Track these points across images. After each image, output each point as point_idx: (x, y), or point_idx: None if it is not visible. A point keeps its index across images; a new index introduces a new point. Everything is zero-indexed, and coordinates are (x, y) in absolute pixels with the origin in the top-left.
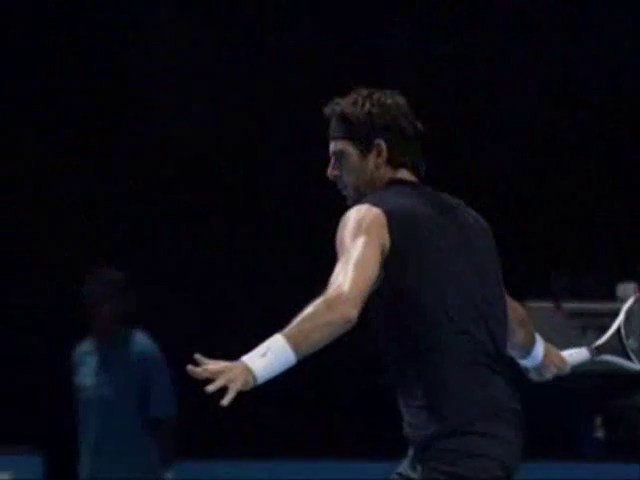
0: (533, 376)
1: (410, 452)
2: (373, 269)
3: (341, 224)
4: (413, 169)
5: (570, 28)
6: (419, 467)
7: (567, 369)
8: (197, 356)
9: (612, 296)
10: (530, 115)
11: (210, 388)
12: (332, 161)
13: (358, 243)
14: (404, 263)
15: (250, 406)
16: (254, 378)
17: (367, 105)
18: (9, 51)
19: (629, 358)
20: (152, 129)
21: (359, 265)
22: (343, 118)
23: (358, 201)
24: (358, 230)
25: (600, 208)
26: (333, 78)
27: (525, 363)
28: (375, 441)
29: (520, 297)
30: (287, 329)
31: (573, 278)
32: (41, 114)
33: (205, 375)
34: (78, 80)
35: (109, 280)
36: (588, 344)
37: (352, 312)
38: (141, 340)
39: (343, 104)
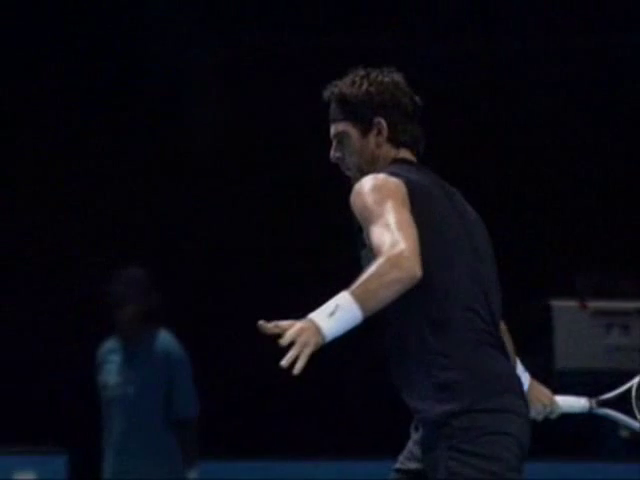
0: None
1: (416, 435)
2: (414, 229)
3: (358, 191)
4: (413, 149)
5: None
6: (436, 445)
7: (556, 411)
8: (261, 322)
9: (637, 295)
10: (554, 112)
11: (288, 357)
12: (334, 144)
13: (389, 206)
14: (421, 236)
15: (274, 407)
16: (323, 338)
17: (365, 85)
18: (27, 51)
19: (634, 417)
20: (172, 126)
21: (403, 225)
22: (342, 100)
23: None
24: (384, 195)
25: (627, 207)
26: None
27: None
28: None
29: (545, 296)
30: (353, 287)
31: (598, 277)
32: (62, 112)
33: (276, 331)
34: (97, 77)
35: (134, 279)
36: (612, 343)
37: (417, 268)
38: (165, 339)
39: (341, 86)
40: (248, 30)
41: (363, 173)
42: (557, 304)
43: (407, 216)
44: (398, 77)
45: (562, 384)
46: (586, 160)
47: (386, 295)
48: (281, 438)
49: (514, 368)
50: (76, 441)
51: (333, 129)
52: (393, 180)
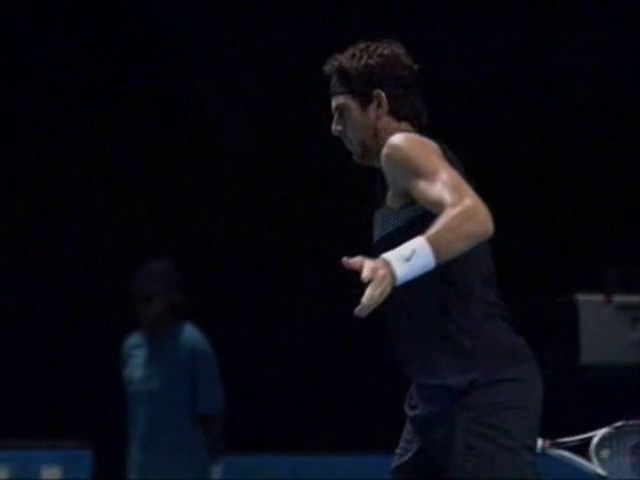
0: None
1: (415, 412)
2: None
3: (397, 146)
4: (415, 121)
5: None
6: (454, 416)
7: None
8: (345, 259)
9: None
10: (580, 108)
11: (367, 296)
12: (335, 117)
13: (439, 161)
14: None
15: (298, 401)
16: (395, 282)
17: (364, 57)
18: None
19: (589, 460)
20: (199, 119)
21: (461, 180)
22: (341, 73)
23: (363, 156)
24: (429, 150)
25: None
26: None
27: None
28: None
29: (570, 290)
30: (430, 235)
31: (624, 271)
32: (88, 106)
33: (357, 267)
34: (131, 74)
35: (159, 273)
36: (638, 337)
37: (491, 224)
38: (191, 333)
39: (341, 59)
40: (281, 24)
41: (365, 146)
42: (582, 298)
43: (457, 172)
44: (398, 49)
45: (587, 379)
46: (615, 154)
47: (460, 247)
48: (306, 432)
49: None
50: (101, 435)
51: (334, 102)
52: (426, 138)
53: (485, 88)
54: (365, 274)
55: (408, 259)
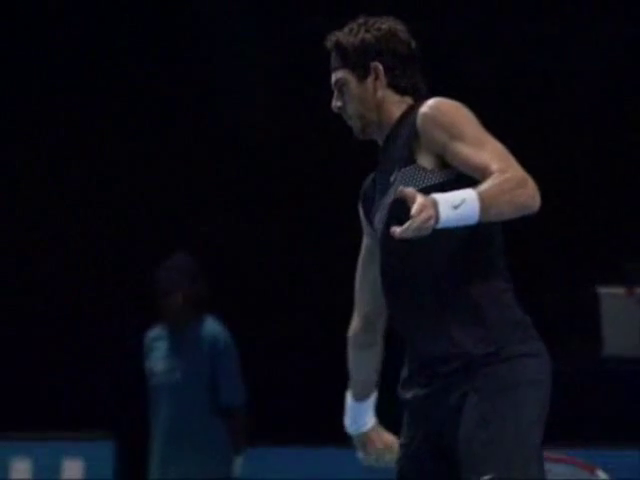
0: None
1: (439, 384)
2: None
3: (442, 107)
4: (415, 97)
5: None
6: (470, 387)
7: (386, 457)
8: (401, 187)
9: None
10: (601, 100)
11: (405, 227)
12: (335, 93)
13: (486, 132)
14: None
15: (322, 392)
16: (436, 225)
17: (362, 32)
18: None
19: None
20: (218, 116)
21: (510, 154)
22: (339, 48)
23: (364, 130)
24: (474, 118)
25: None
26: None
27: (355, 412)
28: None
29: (592, 283)
30: (482, 191)
31: None
32: (116, 107)
33: (411, 197)
34: (151, 73)
35: (181, 266)
36: None
37: (539, 200)
38: (212, 326)
39: (339, 34)
40: (306, 16)
41: (364, 119)
42: (604, 291)
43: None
44: (396, 24)
45: (610, 371)
46: (636, 147)
47: (506, 213)
48: (330, 425)
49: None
50: (123, 427)
51: (333, 78)
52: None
53: (505, 80)
54: (414, 209)
55: (456, 207)
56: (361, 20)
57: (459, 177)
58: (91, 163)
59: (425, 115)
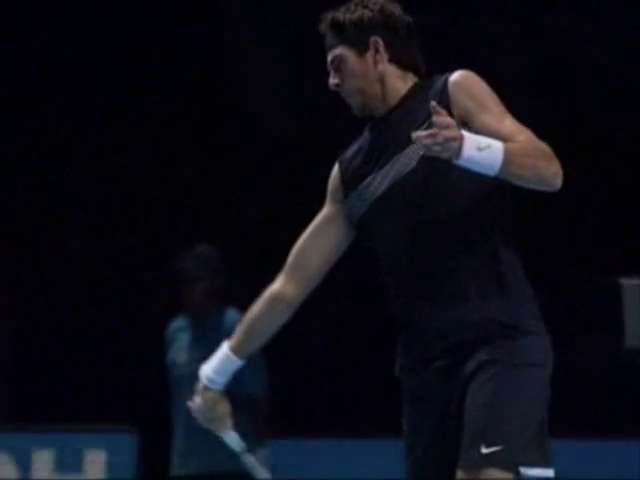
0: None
1: (453, 355)
2: None
3: (472, 77)
4: (418, 73)
5: None
6: (483, 360)
7: (220, 428)
8: (433, 103)
9: None
10: (632, 91)
11: (427, 134)
12: (331, 72)
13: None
14: None
15: (345, 384)
16: (455, 158)
17: (359, 9)
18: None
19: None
20: (239, 106)
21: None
22: (336, 25)
23: (364, 106)
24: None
25: None
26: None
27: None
28: None
29: (614, 274)
30: (509, 146)
31: None
32: (131, 95)
33: (442, 115)
34: (172, 62)
35: (203, 257)
36: None
37: (561, 180)
38: (234, 317)
39: (334, 13)
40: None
41: (365, 94)
42: (626, 282)
43: None
44: (393, 6)
45: (631, 362)
46: None
47: (526, 176)
48: (352, 416)
49: None
50: (146, 419)
51: (330, 56)
52: None
53: (542, 72)
54: (440, 122)
55: (480, 149)
56: (356, 0)
57: None
58: (111, 153)
59: (457, 83)
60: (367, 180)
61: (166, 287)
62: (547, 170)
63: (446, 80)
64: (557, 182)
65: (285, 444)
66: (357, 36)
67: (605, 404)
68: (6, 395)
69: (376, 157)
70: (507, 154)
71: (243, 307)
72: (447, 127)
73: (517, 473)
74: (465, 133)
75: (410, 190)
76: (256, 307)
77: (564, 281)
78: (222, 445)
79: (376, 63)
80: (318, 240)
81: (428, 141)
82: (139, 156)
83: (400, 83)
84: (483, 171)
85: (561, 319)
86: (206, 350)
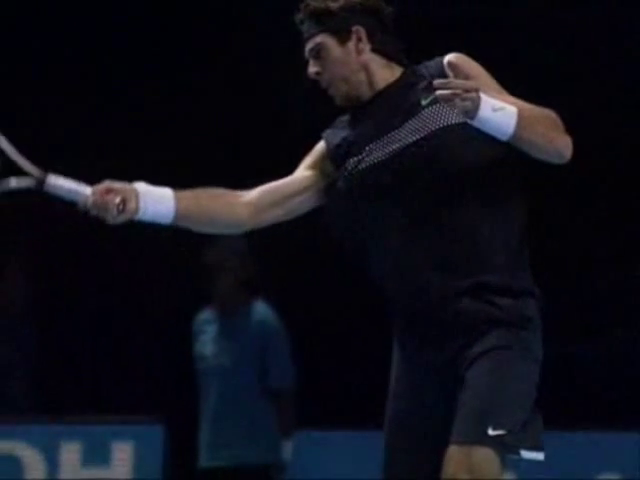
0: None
1: (464, 339)
2: None
3: (468, 57)
4: (401, 63)
5: None
6: (491, 345)
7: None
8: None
9: None
10: None
11: (444, 82)
12: (311, 61)
13: None
14: None
15: (371, 376)
16: (471, 116)
17: None
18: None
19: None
20: (268, 98)
21: None
22: (315, 14)
23: (349, 97)
24: None
25: None
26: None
27: None
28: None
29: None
30: (523, 110)
31: None
32: (168, 82)
33: (456, 79)
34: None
35: (231, 249)
36: None
37: (571, 152)
38: (261, 309)
39: (312, 3)
40: None
41: (349, 82)
42: None
43: None
44: None
45: None
46: None
47: (537, 143)
48: (378, 408)
49: None
50: (173, 411)
51: (309, 44)
52: None
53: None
54: (457, 80)
55: (495, 110)
56: None
57: None
58: (144, 145)
59: (454, 64)
60: (357, 157)
61: (194, 279)
62: (559, 140)
63: (441, 63)
64: (568, 153)
65: (312, 436)
66: (339, 25)
67: (630, 397)
68: (33, 388)
69: (366, 137)
70: (520, 119)
71: (271, 300)
72: (464, 83)
73: (518, 454)
74: (481, 94)
75: (406, 166)
76: (215, 190)
77: (605, 274)
78: (250, 437)
79: (359, 52)
80: (281, 190)
81: (447, 92)
82: (168, 147)
83: (386, 71)
84: (496, 134)
85: (585, 313)
86: (234, 342)
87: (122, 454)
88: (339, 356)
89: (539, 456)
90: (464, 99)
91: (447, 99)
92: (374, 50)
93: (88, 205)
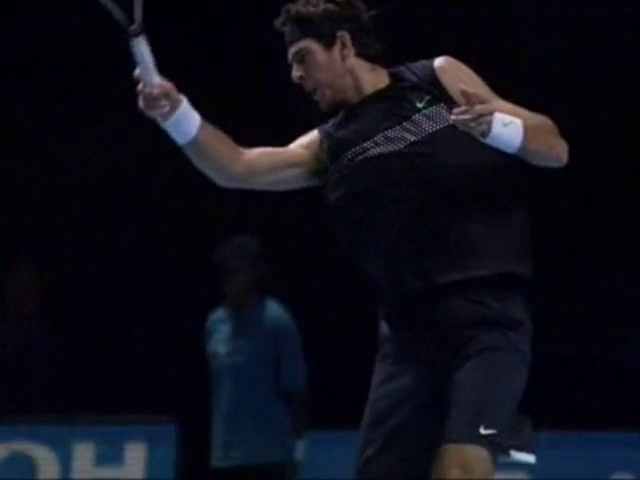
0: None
1: (466, 331)
2: None
3: (459, 62)
4: (383, 65)
5: None
6: (484, 346)
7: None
8: (462, 86)
9: None
10: None
11: (461, 111)
12: (294, 65)
13: None
14: None
15: None
16: (487, 134)
17: (321, 3)
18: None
19: None
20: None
21: None
22: (299, 19)
23: (334, 102)
24: None
25: None
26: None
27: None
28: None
29: None
30: (527, 123)
31: None
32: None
33: (471, 95)
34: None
35: (244, 248)
36: None
37: (567, 156)
38: (274, 309)
39: (295, 7)
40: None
41: (335, 87)
42: None
43: None
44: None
45: None
46: None
47: (541, 152)
48: None
49: None
50: (186, 411)
51: (293, 49)
52: None
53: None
54: (472, 97)
55: (506, 125)
56: None
57: None
58: (152, 143)
59: (444, 69)
60: (351, 154)
61: (207, 278)
62: (558, 146)
63: (431, 68)
64: (565, 158)
65: (324, 435)
66: (323, 30)
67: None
68: (46, 388)
69: (361, 135)
70: (527, 132)
71: (284, 299)
72: (481, 102)
73: (508, 455)
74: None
75: (402, 166)
76: (227, 138)
77: (595, 279)
78: (263, 436)
79: (343, 58)
80: (277, 156)
81: (464, 118)
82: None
83: (372, 75)
84: (505, 148)
85: (591, 316)
86: (246, 341)
87: (135, 454)
88: (353, 356)
89: (529, 458)
90: (480, 123)
91: (464, 125)
92: (358, 54)
93: (144, 90)
